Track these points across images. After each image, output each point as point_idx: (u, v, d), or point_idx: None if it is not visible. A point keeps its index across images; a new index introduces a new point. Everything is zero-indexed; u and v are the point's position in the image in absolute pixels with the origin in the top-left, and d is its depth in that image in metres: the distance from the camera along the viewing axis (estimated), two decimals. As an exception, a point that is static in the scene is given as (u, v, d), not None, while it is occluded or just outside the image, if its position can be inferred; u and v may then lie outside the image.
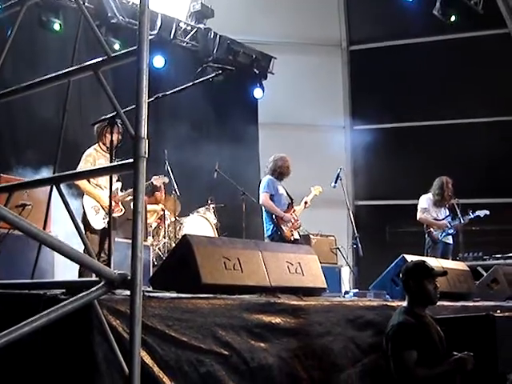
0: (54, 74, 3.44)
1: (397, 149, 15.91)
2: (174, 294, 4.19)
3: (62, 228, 7.28)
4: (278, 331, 4.57)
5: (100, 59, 3.20)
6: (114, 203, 7.55)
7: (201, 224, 10.69)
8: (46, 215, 5.04)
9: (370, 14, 16.64)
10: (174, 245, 9.32)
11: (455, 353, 4.72)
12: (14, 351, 3.12)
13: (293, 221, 9.01)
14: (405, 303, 5.07)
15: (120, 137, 6.83)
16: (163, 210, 10.42)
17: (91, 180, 7.48)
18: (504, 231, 14.75)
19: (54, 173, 4.51)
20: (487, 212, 10.18)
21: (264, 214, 9.13)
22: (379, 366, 5.15)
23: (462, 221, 10.01)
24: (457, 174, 10.56)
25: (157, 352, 3.73)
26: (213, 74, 6.56)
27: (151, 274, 7.53)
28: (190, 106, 12.80)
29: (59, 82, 3.49)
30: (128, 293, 2.83)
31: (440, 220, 10.12)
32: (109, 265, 5.73)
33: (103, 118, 6.17)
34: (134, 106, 2.88)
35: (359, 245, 8.78)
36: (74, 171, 3.59)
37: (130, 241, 2.81)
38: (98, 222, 7.43)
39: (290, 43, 16.30)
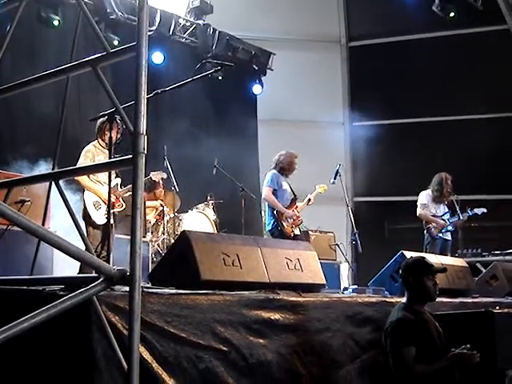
0: (52, 70, 3.43)
1: (396, 145, 15.91)
2: (173, 290, 4.19)
3: (61, 224, 7.28)
4: (276, 327, 4.57)
5: (99, 55, 3.20)
6: (114, 198, 7.58)
7: (200, 220, 10.69)
8: (44, 211, 5.04)
9: (369, 10, 16.62)
10: (172, 241, 9.32)
11: (453, 349, 4.72)
12: (13, 347, 3.12)
13: (294, 217, 9.02)
14: (404, 299, 5.07)
15: (119, 135, 6.84)
16: (162, 206, 10.42)
17: (91, 176, 7.49)
18: (503, 228, 14.76)
19: (53, 169, 4.51)
20: (485, 210, 10.20)
21: (266, 208, 9.15)
22: (378, 363, 5.16)
23: (461, 217, 10.02)
24: (456, 171, 10.56)
25: (156, 348, 3.74)
26: (212, 70, 6.57)
27: (150, 270, 7.52)
28: (189, 102, 12.78)
29: (58, 77, 3.48)
30: (127, 289, 2.83)
31: (439, 216, 10.13)
32: (108, 261, 5.73)
33: (102, 113, 6.17)
34: (133, 102, 2.88)
35: (358, 241, 8.78)
36: (73, 167, 3.59)
37: (129, 237, 2.81)
38: (100, 217, 7.44)
39: (290, 39, 16.28)
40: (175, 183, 10.18)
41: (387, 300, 5.72)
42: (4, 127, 10.32)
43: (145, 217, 9.85)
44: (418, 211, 10.20)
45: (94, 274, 3.04)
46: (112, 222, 7.49)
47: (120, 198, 7.74)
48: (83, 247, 3.55)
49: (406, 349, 4.66)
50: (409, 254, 6.59)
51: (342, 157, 15.58)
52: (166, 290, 4.15)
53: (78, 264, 6.72)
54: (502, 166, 14.77)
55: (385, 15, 16.02)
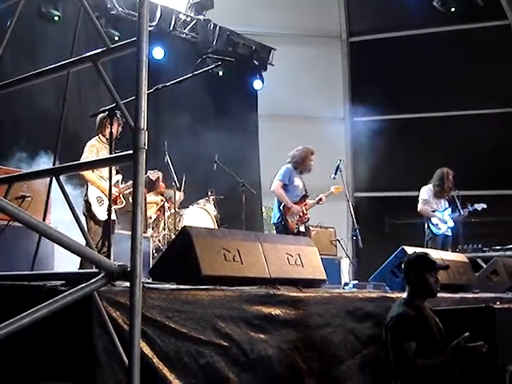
0: (53, 66, 3.43)
1: (397, 140, 15.90)
2: (174, 286, 4.20)
3: (62, 219, 7.29)
4: (277, 323, 4.58)
5: (99, 50, 3.19)
6: (116, 195, 7.60)
7: (200, 216, 10.69)
8: (45, 207, 5.04)
9: (369, 5, 16.62)
10: (173, 236, 9.31)
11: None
12: (14, 343, 3.12)
13: (301, 214, 9.02)
14: (404, 295, 5.06)
15: (120, 128, 6.84)
16: (163, 202, 10.42)
17: (95, 171, 7.49)
18: (504, 223, 14.76)
19: (53, 164, 4.51)
20: (484, 206, 10.21)
21: (275, 200, 9.14)
22: (379, 358, 5.16)
23: (462, 213, 10.03)
24: (457, 166, 10.56)
25: (156, 343, 3.74)
26: (212, 66, 6.56)
27: (151, 266, 7.53)
28: (189, 98, 12.78)
29: (59, 73, 3.48)
30: (128, 284, 2.83)
31: (439, 212, 10.12)
32: (109, 256, 5.73)
33: (102, 109, 6.17)
34: (133, 98, 2.87)
35: (359, 236, 8.76)
36: (74, 162, 3.58)
37: (130, 232, 2.81)
38: (102, 212, 7.44)
39: (290, 35, 16.27)
40: (176, 179, 10.18)
41: (388, 295, 5.73)
42: (5, 122, 10.31)
43: (145, 212, 9.85)
44: (419, 206, 10.20)
45: (94, 270, 3.04)
46: (115, 217, 7.52)
47: (120, 195, 7.75)
48: (84, 243, 3.55)
49: (406, 344, 4.66)
50: (409, 250, 6.60)
51: (343, 152, 15.60)
52: (167, 286, 4.15)
53: (79, 259, 6.73)
54: (503, 162, 14.78)
55: (385, 10, 16.01)
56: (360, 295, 5.54)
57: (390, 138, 15.89)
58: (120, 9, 11.72)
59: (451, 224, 10.15)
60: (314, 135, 14.99)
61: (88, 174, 7.47)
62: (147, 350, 3.66)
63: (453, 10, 13.61)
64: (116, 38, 11.52)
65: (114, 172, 6.58)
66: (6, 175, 4.29)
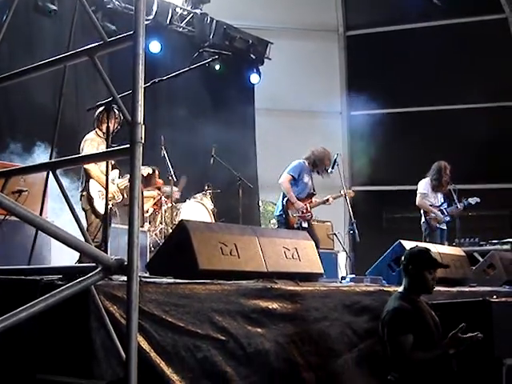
0: (50, 59, 3.43)
1: (394, 134, 15.90)
2: (171, 280, 4.20)
3: (59, 213, 7.29)
4: (274, 316, 4.58)
5: (96, 44, 3.19)
6: (117, 189, 7.62)
7: (197, 210, 10.68)
8: (42, 201, 5.04)
9: (366, -1, 16.64)
10: (170, 230, 9.31)
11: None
12: (11, 337, 3.12)
13: (304, 210, 9.03)
14: (400, 288, 5.07)
15: (116, 124, 6.84)
16: (160, 195, 10.42)
17: (98, 166, 7.49)
18: (500, 217, 14.79)
19: (50, 158, 4.51)
20: (478, 199, 10.20)
21: (281, 193, 9.16)
22: (375, 351, 5.18)
23: (459, 207, 10.03)
24: (453, 160, 10.55)
25: (154, 337, 3.74)
26: (209, 59, 6.56)
27: (148, 260, 7.53)
28: (186, 92, 12.78)
29: (55, 67, 3.47)
30: (125, 278, 2.83)
31: (437, 206, 10.12)
32: (106, 251, 5.73)
33: (99, 103, 6.16)
34: (130, 92, 2.87)
35: (356, 230, 8.76)
36: (71, 157, 3.57)
37: (127, 227, 2.81)
38: (103, 206, 7.44)
39: (287, 28, 16.26)
40: (173, 173, 10.17)
41: (385, 289, 5.73)
42: (1, 116, 10.28)
43: (143, 207, 9.85)
44: (418, 200, 10.17)
45: (91, 264, 3.04)
46: (116, 210, 7.54)
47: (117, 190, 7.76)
48: (81, 237, 3.54)
49: (403, 337, 4.66)
50: (407, 244, 6.60)
51: (340, 146, 15.61)
52: (164, 280, 4.15)
53: (76, 254, 6.72)
54: (500, 155, 14.80)
55: (382, 4, 16.01)
56: (357, 289, 5.55)
57: (387, 131, 15.89)
58: (116, 2, 11.69)
59: (447, 218, 10.15)
60: (311, 129, 15.02)
61: (93, 168, 7.46)
62: (144, 344, 3.67)
63: (449, 3, 13.60)
64: (112, 32, 11.49)
65: (110, 167, 6.58)
66: (3, 169, 4.29)
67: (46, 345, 3.56)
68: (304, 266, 5.48)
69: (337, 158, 9.31)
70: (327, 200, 9.38)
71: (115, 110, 6.36)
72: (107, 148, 5.81)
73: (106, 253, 3.14)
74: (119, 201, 7.79)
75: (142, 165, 2.97)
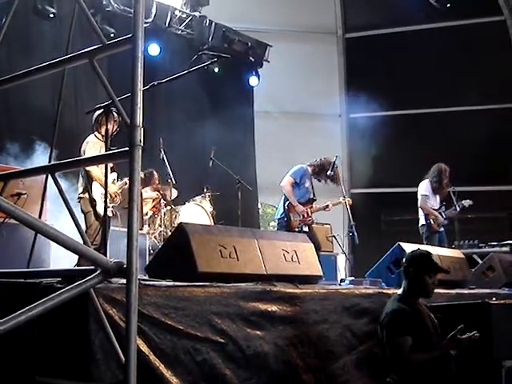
0: (49, 62, 3.43)
1: (393, 137, 15.91)
2: (170, 283, 4.19)
3: (57, 216, 7.28)
4: (273, 319, 4.58)
5: (95, 47, 3.19)
6: (117, 192, 7.62)
7: (197, 212, 10.68)
8: (41, 204, 5.03)
9: (365, 1, 16.63)
10: (169, 233, 9.32)
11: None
12: (10, 339, 3.12)
13: (305, 214, 9.04)
14: (399, 291, 5.07)
15: (116, 127, 6.84)
16: (158, 197, 10.41)
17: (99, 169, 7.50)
18: (500, 219, 14.79)
19: (49, 161, 4.50)
20: (471, 202, 10.19)
21: (282, 196, 9.17)
22: (375, 354, 5.18)
23: (457, 209, 10.03)
24: (453, 162, 10.54)
25: (153, 340, 3.74)
26: (208, 62, 6.56)
27: (147, 263, 7.53)
28: (185, 95, 12.79)
29: (54, 70, 3.47)
30: (124, 281, 2.83)
31: (436, 210, 10.11)
32: (105, 253, 5.73)
33: (98, 106, 6.16)
34: (129, 94, 2.87)
35: (355, 233, 8.77)
36: (70, 160, 3.57)
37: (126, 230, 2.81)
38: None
39: (286, 31, 16.28)
40: (172, 175, 10.17)
41: (384, 291, 5.73)
42: (0, 118, 10.29)
43: (142, 209, 9.85)
44: (420, 202, 10.12)
45: (91, 267, 3.04)
46: (117, 213, 7.53)
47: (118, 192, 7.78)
48: (80, 240, 3.55)
49: (402, 338, 4.67)
50: (406, 246, 6.60)
51: (339, 148, 15.60)
52: (163, 283, 4.15)
53: (76, 257, 6.72)
54: (499, 158, 14.80)
55: (381, 6, 16.02)
56: (356, 291, 5.55)
57: (386, 134, 15.89)
58: (115, 5, 11.70)
59: (446, 221, 10.15)
60: (310, 132, 15.05)
61: (96, 171, 7.46)
62: (143, 347, 3.66)
63: (448, 5, 13.61)
64: (111, 35, 11.49)
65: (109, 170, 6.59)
66: (2, 172, 4.29)
67: (45, 347, 3.56)
68: (303, 269, 5.47)
69: (336, 161, 9.33)
70: (327, 206, 9.40)
71: (114, 113, 6.36)
72: (106, 151, 5.82)
73: (105, 255, 3.14)
74: (118, 203, 7.79)
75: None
